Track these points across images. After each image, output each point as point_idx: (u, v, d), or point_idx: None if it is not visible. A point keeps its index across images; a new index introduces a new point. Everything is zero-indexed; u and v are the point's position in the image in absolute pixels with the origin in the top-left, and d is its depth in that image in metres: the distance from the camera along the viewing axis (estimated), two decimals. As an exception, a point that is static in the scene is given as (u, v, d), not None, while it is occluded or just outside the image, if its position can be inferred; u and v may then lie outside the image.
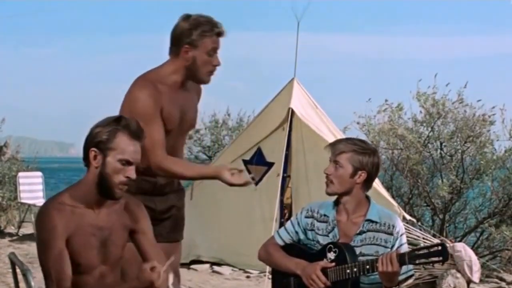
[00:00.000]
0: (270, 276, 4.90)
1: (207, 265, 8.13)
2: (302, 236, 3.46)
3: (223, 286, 7.46)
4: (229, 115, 12.88)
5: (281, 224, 7.15)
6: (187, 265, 8.06)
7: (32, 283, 3.15)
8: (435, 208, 9.29)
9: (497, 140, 9.19)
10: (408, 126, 9.55)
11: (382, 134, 9.51)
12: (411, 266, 3.28)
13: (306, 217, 3.45)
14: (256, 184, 7.82)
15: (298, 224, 3.46)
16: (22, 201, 10.66)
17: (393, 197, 8.63)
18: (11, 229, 11.16)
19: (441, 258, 3.05)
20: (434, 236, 7.82)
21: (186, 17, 3.50)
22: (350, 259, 3.23)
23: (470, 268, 6.88)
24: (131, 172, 2.92)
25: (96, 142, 2.91)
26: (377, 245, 3.30)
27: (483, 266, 7.69)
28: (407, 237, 3.49)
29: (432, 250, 3.06)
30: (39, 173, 11.37)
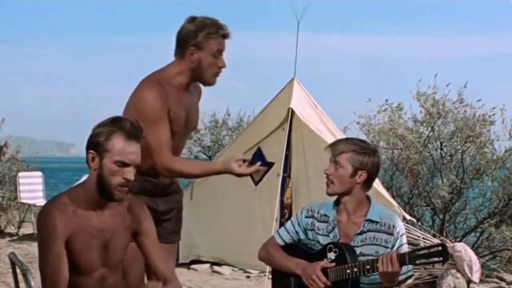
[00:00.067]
0: (270, 276, 4.90)
1: (207, 265, 8.13)
2: (302, 236, 3.45)
3: (223, 286, 7.46)
4: (229, 115, 12.87)
5: (281, 224, 7.15)
6: (187, 265, 8.07)
7: (32, 283, 3.15)
8: (435, 208, 9.29)
9: (497, 140, 9.19)
10: (408, 126, 9.55)
11: (382, 134, 9.51)
12: (410, 266, 3.28)
13: (307, 217, 3.44)
14: (256, 184, 7.83)
15: (299, 224, 3.46)
16: (22, 201, 10.66)
17: (393, 197, 8.63)
18: (11, 229, 11.16)
19: (441, 259, 3.05)
20: (434, 236, 7.82)
21: (192, 19, 3.50)
22: (350, 259, 3.23)
23: (470, 268, 6.88)
24: (129, 173, 2.89)
25: (93, 144, 2.90)
26: (378, 245, 3.30)
27: (483, 266, 7.69)
28: (407, 237, 3.49)
29: (432, 250, 3.06)
30: (39, 173, 11.37)
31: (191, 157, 12.10)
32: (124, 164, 2.88)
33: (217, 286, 7.43)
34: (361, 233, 3.33)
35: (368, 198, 3.41)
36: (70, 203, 2.92)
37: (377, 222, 3.33)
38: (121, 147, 2.87)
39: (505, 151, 9.12)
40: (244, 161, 3.44)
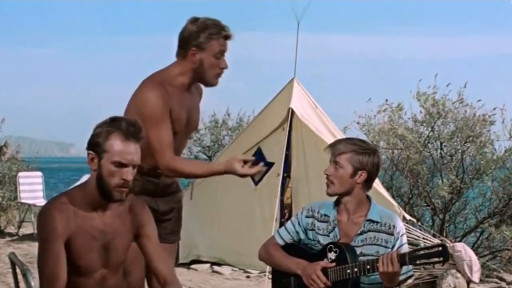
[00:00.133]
0: (270, 276, 4.90)
1: (207, 265, 8.13)
2: (302, 236, 3.45)
3: (223, 286, 7.46)
4: (229, 115, 12.87)
5: (281, 224, 7.15)
6: (187, 265, 8.07)
7: (32, 283, 3.15)
8: (435, 208, 9.29)
9: (497, 140, 9.20)
10: (408, 126, 9.55)
11: (382, 134, 9.51)
12: (411, 266, 3.28)
13: (307, 216, 3.44)
14: (256, 184, 7.83)
15: (299, 223, 3.46)
16: (22, 201, 10.66)
17: (393, 197, 8.63)
18: (11, 229, 11.16)
19: (441, 259, 3.05)
20: (434, 236, 7.82)
21: (194, 20, 3.50)
22: (350, 259, 3.23)
23: (470, 268, 6.88)
24: (127, 174, 2.87)
25: (92, 144, 2.90)
26: (378, 245, 3.30)
27: (483, 266, 7.69)
28: (407, 237, 3.49)
29: (432, 250, 3.06)
30: (39, 173, 11.37)
31: (191, 157, 12.11)
32: (121, 165, 2.86)
33: (217, 286, 7.43)
34: (361, 233, 3.33)
35: (368, 198, 3.41)
36: (71, 203, 2.91)
37: (377, 222, 3.33)
38: (119, 147, 2.85)
39: (505, 151, 9.12)
40: (245, 162, 3.44)
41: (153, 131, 3.37)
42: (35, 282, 3.12)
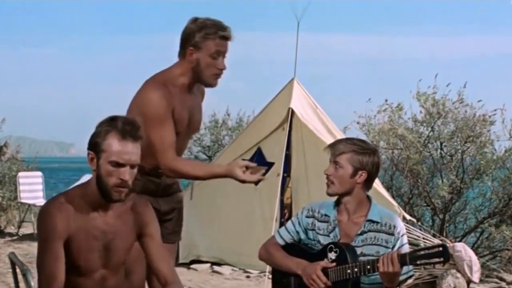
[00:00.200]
0: (270, 276, 4.90)
1: (207, 265, 8.13)
2: (302, 236, 3.45)
3: (223, 286, 7.46)
4: (228, 115, 12.88)
5: (281, 224, 7.15)
6: (187, 265, 8.07)
7: (32, 283, 3.15)
8: (435, 208, 9.29)
9: (497, 140, 9.20)
10: (408, 126, 9.55)
11: (382, 134, 9.51)
12: (411, 266, 3.28)
13: (307, 216, 3.44)
14: (256, 184, 7.81)
15: (299, 223, 3.46)
16: (22, 201, 10.66)
17: (393, 197, 8.63)
18: (11, 229, 11.16)
19: (442, 259, 3.05)
20: (434, 236, 7.82)
21: (194, 20, 3.50)
22: (351, 259, 3.23)
23: (470, 268, 6.88)
24: (124, 173, 2.84)
25: (92, 144, 2.89)
26: (378, 245, 3.30)
27: (483, 266, 7.69)
28: (407, 237, 3.49)
29: (433, 251, 3.06)
30: (39, 173, 11.37)
31: (191, 157, 12.11)
32: (118, 164, 2.84)
33: (217, 286, 7.43)
34: (361, 233, 3.33)
35: (368, 198, 3.41)
36: (71, 202, 2.90)
37: (377, 222, 3.33)
38: (116, 147, 2.83)
39: (505, 151, 9.12)
40: (247, 168, 3.43)
41: (156, 131, 3.36)
42: (35, 282, 3.12)
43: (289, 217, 7.61)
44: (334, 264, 3.27)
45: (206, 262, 8.18)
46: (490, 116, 9.13)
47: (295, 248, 3.45)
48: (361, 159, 3.32)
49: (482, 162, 9.02)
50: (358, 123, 9.72)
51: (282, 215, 7.78)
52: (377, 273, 3.18)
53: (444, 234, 8.94)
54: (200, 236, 8.12)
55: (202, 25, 3.46)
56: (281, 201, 7.80)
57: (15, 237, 10.41)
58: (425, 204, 9.60)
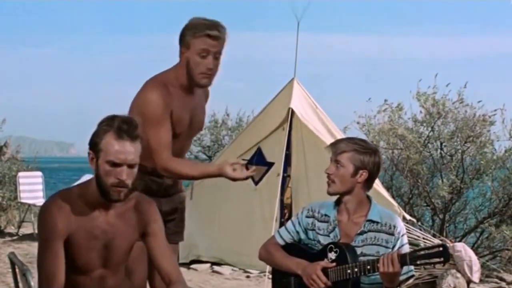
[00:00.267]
0: (270, 276, 4.90)
1: (207, 265, 8.13)
2: (303, 236, 3.45)
3: (223, 286, 7.46)
4: (228, 115, 12.89)
5: (281, 224, 7.15)
6: (187, 265, 8.06)
7: (32, 283, 3.14)
8: (435, 208, 9.29)
9: (497, 140, 9.20)
10: (408, 126, 9.55)
11: (382, 134, 9.51)
12: (411, 267, 3.27)
13: (307, 216, 3.44)
14: (256, 184, 7.83)
15: (299, 223, 3.46)
16: (22, 201, 10.66)
17: (393, 197, 8.63)
18: (11, 229, 11.15)
19: (442, 259, 3.05)
20: (434, 236, 7.82)
21: (189, 20, 3.51)
22: (351, 259, 3.23)
23: (470, 268, 6.88)
24: (121, 173, 2.83)
25: (92, 144, 2.89)
26: (378, 245, 3.29)
27: (483, 266, 7.69)
28: (407, 237, 3.49)
29: (433, 251, 3.06)
30: (39, 173, 11.37)
31: (191, 157, 12.11)
32: (115, 164, 2.83)
33: (217, 286, 7.43)
34: (361, 233, 3.32)
35: (368, 198, 3.41)
36: (72, 201, 2.90)
37: (377, 222, 3.32)
38: (112, 146, 2.83)
39: (505, 151, 9.13)
40: (237, 164, 3.43)
41: (152, 131, 3.37)
42: (34, 282, 3.12)
43: (289, 217, 7.61)
44: (334, 264, 3.27)
45: (206, 262, 8.18)
46: (490, 116, 9.14)
47: (295, 248, 3.45)
48: (362, 158, 3.32)
49: (482, 162, 9.02)
50: (358, 123, 9.73)
51: (282, 215, 7.77)
52: (377, 273, 3.18)
53: (444, 234, 8.94)
54: (200, 236, 8.12)
55: (193, 24, 3.46)
56: (281, 201, 7.79)
57: (15, 237, 10.41)
58: (425, 204, 9.60)
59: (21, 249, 9.03)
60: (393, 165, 9.54)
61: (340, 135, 7.58)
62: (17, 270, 3.35)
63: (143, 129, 2.97)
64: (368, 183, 3.37)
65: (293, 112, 7.73)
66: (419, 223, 8.23)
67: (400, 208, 7.75)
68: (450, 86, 9.32)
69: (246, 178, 3.44)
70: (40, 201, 10.30)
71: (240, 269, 7.98)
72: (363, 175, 3.33)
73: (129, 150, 2.84)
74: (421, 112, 9.46)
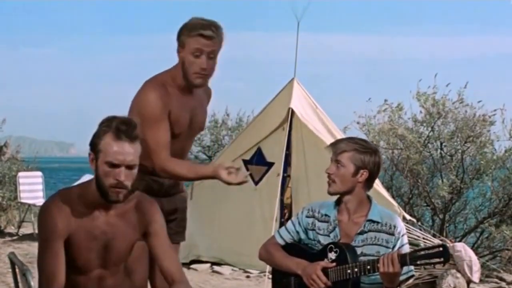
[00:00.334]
0: (270, 276, 4.90)
1: (207, 265, 8.13)
2: (303, 236, 3.45)
3: (223, 286, 7.46)
4: (228, 115, 12.90)
5: (281, 224, 7.15)
6: (187, 265, 8.06)
7: (32, 283, 3.14)
8: (435, 208, 9.29)
9: (497, 140, 9.21)
10: (408, 126, 9.55)
11: (382, 134, 9.51)
12: (412, 267, 3.27)
13: (307, 216, 3.44)
14: (256, 184, 7.83)
15: (299, 223, 3.46)
16: (22, 201, 10.66)
17: (393, 197, 8.63)
18: (11, 229, 11.16)
19: (442, 259, 3.05)
20: (434, 236, 7.82)
21: (188, 20, 3.51)
22: (351, 259, 3.23)
23: (470, 268, 6.88)
24: (120, 174, 2.82)
25: (92, 144, 2.89)
26: (379, 245, 3.29)
27: (483, 266, 7.69)
28: (407, 237, 3.49)
29: (433, 251, 3.06)
30: (39, 173, 11.37)
31: (191, 157, 12.11)
32: (114, 165, 2.82)
33: (217, 286, 7.43)
34: (362, 233, 3.32)
35: (369, 198, 3.41)
36: (73, 201, 2.90)
37: (378, 222, 3.32)
38: (110, 147, 2.82)
39: (505, 151, 9.13)
40: (232, 168, 3.42)
41: (150, 131, 3.37)
42: (34, 282, 3.12)
43: (289, 217, 7.61)
44: (334, 264, 3.27)
45: (206, 262, 8.18)
46: (490, 116, 9.14)
47: (295, 248, 3.44)
48: (363, 158, 3.32)
49: (482, 162, 9.02)
50: (358, 123, 9.73)
51: (282, 215, 7.77)
52: (377, 273, 3.18)
53: (444, 234, 8.94)
54: (200, 236, 8.12)
55: (188, 24, 3.47)
56: (281, 201, 7.80)
57: (15, 237, 10.41)
58: (425, 204, 9.60)
59: (21, 249, 9.03)
60: (393, 165, 9.55)
61: (340, 135, 7.58)
62: (17, 270, 3.35)
63: (141, 129, 2.96)
64: (368, 183, 3.37)
65: (293, 112, 7.73)
66: (419, 223, 8.23)
67: (400, 208, 7.75)
68: (450, 86, 9.34)
69: (239, 183, 3.43)
70: (40, 201, 10.30)
71: (240, 269, 7.98)
72: (363, 174, 3.33)
73: (128, 151, 2.84)
74: (421, 112, 9.47)
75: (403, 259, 3.11)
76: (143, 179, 3.26)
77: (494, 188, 9.17)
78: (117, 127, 2.83)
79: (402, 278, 3.24)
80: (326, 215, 3.40)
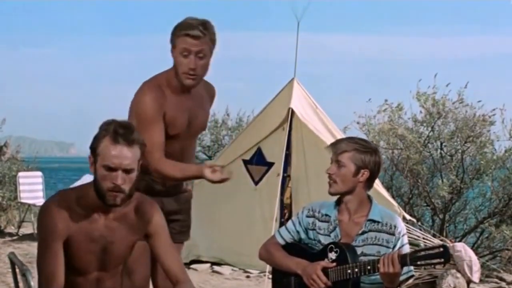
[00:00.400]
0: (270, 276, 4.90)
1: (207, 265, 8.13)
2: (303, 236, 3.45)
3: (223, 286, 7.46)
4: (228, 115, 12.90)
5: (281, 224, 7.15)
6: (187, 265, 8.06)
7: (32, 283, 3.14)
8: (435, 208, 9.29)
9: (497, 140, 9.21)
10: (408, 126, 9.55)
11: (382, 134, 9.51)
12: (411, 267, 3.27)
13: (308, 216, 3.44)
14: (256, 184, 7.83)
15: (300, 223, 3.46)
16: (22, 201, 10.66)
17: (393, 197, 8.63)
18: (11, 229, 11.15)
19: (442, 260, 3.05)
20: (434, 236, 7.82)
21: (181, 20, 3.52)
22: (351, 259, 3.23)
23: (470, 268, 6.88)
24: (117, 178, 2.82)
25: (91, 148, 2.89)
26: (379, 245, 3.29)
27: (483, 266, 7.69)
28: (407, 237, 3.49)
29: (433, 251, 3.05)
30: (39, 173, 11.37)
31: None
32: (110, 169, 2.82)
33: (217, 286, 7.43)
34: (362, 233, 3.32)
35: (369, 198, 3.41)
36: (72, 203, 2.90)
37: (378, 222, 3.32)
38: (107, 151, 2.82)
39: (505, 151, 9.13)
40: (215, 166, 3.41)
41: (145, 132, 3.36)
42: (34, 282, 3.12)
43: (289, 217, 7.61)
44: (334, 264, 3.27)
45: (206, 262, 8.18)
46: (490, 116, 9.14)
47: (296, 248, 3.44)
48: (363, 157, 3.32)
49: (482, 162, 9.02)
50: (358, 123, 9.73)
51: (282, 215, 7.78)
52: (377, 273, 3.17)
53: (444, 234, 8.94)
54: (200, 236, 8.11)
55: (178, 24, 3.47)
56: (281, 201, 7.80)
57: (15, 237, 10.41)
58: (425, 204, 9.60)
59: (21, 249, 9.02)
60: (393, 165, 9.55)
61: (340, 135, 7.58)
62: (17, 270, 3.35)
63: (138, 130, 2.96)
64: (369, 183, 3.37)
65: (293, 112, 7.73)
66: (419, 223, 8.23)
67: (400, 208, 7.75)
68: (450, 86, 9.34)
69: (222, 181, 3.41)
70: (40, 201, 10.30)
71: (240, 269, 7.98)
72: (364, 174, 3.33)
73: (125, 155, 2.83)
74: (421, 112, 9.47)
75: (404, 260, 3.11)
76: (143, 179, 3.26)
77: (494, 188, 9.17)
78: (115, 130, 2.83)
79: (402, 278, 3.24)
80: (326, 215, 3.40)
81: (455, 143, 9.30)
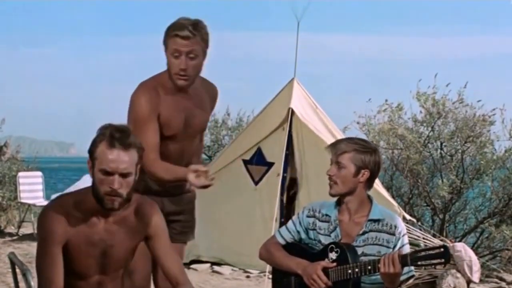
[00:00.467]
0: (270, 276, 4.90)
1: (207, 265, 8.13)
2: (303, 236, 3.45)
3: (223, 286, 7.46)
4: (228, 114, 12.89)
5: (281, 224, 7.14)
6: (187, 265, 8.06)
7: (32, 283, 3.14)
8: (435, 208, 9.29)
9: (497, 140, 9.21)
10: (408, 126, 9.56)
11: (382, 134, 9.51)
12: (412, 267, 3.27)
13: (308, 216, 3.44)
14: (256, 184, 7.83)
15: (300, 223, 3.45)
16: (22, 201, 10.66)
17: (393, 197, 8.63)
18: (11, 229, 11.15)
19: (443, 260, 3.05)
20: (434, 236, 7.82)
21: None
22: (351, 259, 3.23)
23: (470, 268, 6.88)
24: (113, 182, 2.81)
25: (89, 152, 2.89)
26: (380, 245, 3.29)
27: (483, 266, 7.69)
28: (407, 237, 3.48)
29: (434, 252, 3.05)
30: (39, 173, 11.36)
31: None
32: (107, 173, 2.82)
33: (217, 286, 7.43)
34: (363, 233, 3.32)
35: (369, 198, 3.41)
36: (72, 207, 2.89)
37: (379, 222, 3.32)
38: (104, 155, 2.82)
39: (505, 151, 9.14)
40: (200, 171, 3.38)
41: (140, 133, 3.35)
42: (34, 282, 3.12)
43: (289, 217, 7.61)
44: (334, 264, 3.26)
45: (206, 262, 8.18)
46: (490, 116, 9.14)
47: (296, 248, 3.44)
48: (363, 158, 3.32)
49: (482, 162, 9.03)
50: (358, 123, 9.74)
51: (282, 215, 7.78)
52: (378, 273, 3.17)
53: (444, 234, 8.94)
54: (200, 236, 8.07)
55: (172, 24, 3.47)
56: (281, 201, 7.80)
57: (15, 237, 10.41)
58: (425, 204, 9.60)
59: (21, 249, 9.02)
60: (393, 165, 9.55)
61: (340, 135, 7.58)
62: (17, 270, 3.35)
63: (133, 132, 2.96)
64: (369, 183, 3.37)
65: (293, 112, 7.73)
66: (419, 223, 8.23)
67: (400, 208, 7.75)
68: (450, 86, 9.35)
69: (203, 187, 3.34)
70: (40, 201, 10.30)
71: (240, 269, 7.98)
72: (365, 174, 3.33)
73: (122, 159, 2.82)
74: (421, 112, 9.48)
75: (404, 260, 3.11)
76: (142, 180, 3.25)
77: (494, 188, 9.17)
78: (111, 135, 2.83)
79: (402, 278, 3.24)
80: (327, 215, 3.40)
81: (455, 143, 9.30)
